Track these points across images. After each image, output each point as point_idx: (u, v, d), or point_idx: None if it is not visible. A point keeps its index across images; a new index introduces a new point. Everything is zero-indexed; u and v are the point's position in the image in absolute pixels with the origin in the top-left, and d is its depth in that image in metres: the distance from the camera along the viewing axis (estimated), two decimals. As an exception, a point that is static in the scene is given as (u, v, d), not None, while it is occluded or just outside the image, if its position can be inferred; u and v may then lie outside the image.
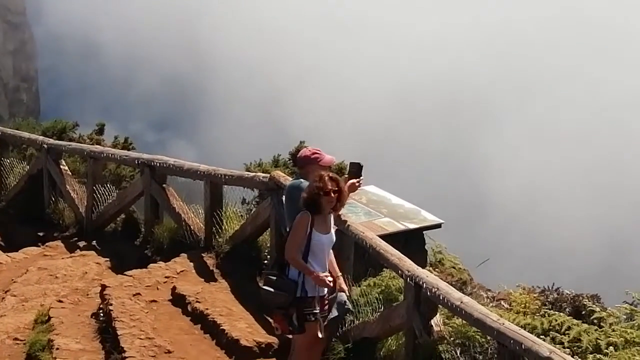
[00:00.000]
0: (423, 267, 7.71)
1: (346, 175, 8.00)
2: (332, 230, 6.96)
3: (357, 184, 7.76)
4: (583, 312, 7.73)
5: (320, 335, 6.78)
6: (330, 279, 6.82)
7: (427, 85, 71.46)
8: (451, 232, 9.77)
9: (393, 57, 74.47)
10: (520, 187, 61.80)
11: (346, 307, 7.48)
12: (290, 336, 7.25)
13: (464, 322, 6.95)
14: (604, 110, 67.90)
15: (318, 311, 6.77)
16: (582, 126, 66.68)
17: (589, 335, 6.95)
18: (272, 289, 6.77)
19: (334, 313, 7.10)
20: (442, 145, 66.80)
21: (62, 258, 11.34)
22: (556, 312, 7.43)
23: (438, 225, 8.92)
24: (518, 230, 55.63)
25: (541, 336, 6.77)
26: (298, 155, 7.80)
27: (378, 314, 7.73)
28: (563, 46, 73.15)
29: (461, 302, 6.63)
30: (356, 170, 7.88)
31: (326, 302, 6.96)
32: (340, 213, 7.41)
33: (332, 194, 6.77)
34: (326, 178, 6.79)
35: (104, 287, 9.36)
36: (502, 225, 56.07)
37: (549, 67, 71.66)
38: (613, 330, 6.97)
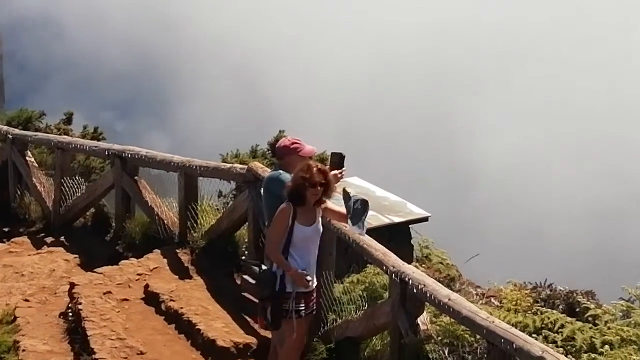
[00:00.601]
0: (409, 262, 7.61)
1: (328, 167, 7.77)
2: (319, 221, 6.74)
3: (339, 176, 7.52)
4: (577, 310, 7.76)
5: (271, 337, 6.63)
6: (310, 277, 6.64)
7: (412, 77, 72.04)
8: (439, 224, 9.57)
9: (375, 40, 74.71)
10: (513, 180, 62.37)
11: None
12: (270, 336, 7.11)
13: (452, 320, 6.85)
14: (599, 109, 68.66)
15: (301, 308, 6.57)
16: (580, 130, 67.43)
17: (583, 334, 6.91)
18: (249, 279, 6.67)
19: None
20: (431, 140, 67.32)
21: (29, 255, 11.21)
22: (549, 310, 7.43)
23: (425, 219, 8.80)
24: (508, 223, 56.03)
25: (533, 335, 6.69)
26: (277, 146, 7.64)
27: (362, 312, 7.62)
28: (562, 46, 74.04)
29: (449, 300, 6.51)
30: (338, 160, 7.66)
31: (312, 299, 6.76)
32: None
33: (319, 187, 6.53)
34: (314, 169, 6.59)
35: (73, 285, 9.23)
36: (492, 219, 56.47)
37: (547, 65, 72.50)
38: (609, 329, 6.95)
